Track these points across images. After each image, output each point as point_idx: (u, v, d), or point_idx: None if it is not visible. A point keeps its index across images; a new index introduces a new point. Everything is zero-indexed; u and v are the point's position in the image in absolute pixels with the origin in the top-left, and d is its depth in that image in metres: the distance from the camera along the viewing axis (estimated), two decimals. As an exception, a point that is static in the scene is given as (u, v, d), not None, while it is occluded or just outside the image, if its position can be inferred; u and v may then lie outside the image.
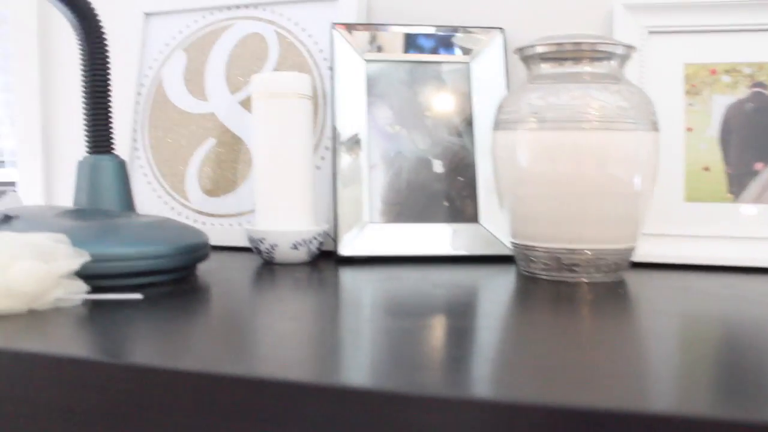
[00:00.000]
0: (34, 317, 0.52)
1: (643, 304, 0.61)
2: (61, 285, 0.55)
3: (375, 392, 0.37)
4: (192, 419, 0.40)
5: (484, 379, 0.40)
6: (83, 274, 0.57)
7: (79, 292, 0.56)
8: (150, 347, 0.46)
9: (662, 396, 0.37)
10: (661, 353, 0.46)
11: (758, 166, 0.78)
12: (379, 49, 0.85)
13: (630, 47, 0.70)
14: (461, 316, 0.55)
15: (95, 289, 0.57)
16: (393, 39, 0.86)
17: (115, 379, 0.42)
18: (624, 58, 0.71)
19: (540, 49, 0.70)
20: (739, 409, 0.35)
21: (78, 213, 0.70)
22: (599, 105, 0.66)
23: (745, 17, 0.80)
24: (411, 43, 0.86)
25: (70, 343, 0.47)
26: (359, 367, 0.42)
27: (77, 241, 0.58)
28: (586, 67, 0.69)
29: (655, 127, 0.69)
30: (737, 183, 0.78)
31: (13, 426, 0.44)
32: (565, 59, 0.69)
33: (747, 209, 0.78)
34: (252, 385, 0.39)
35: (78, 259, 0.57)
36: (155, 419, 0.41)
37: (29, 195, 1.11)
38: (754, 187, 0.78)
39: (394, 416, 0.37)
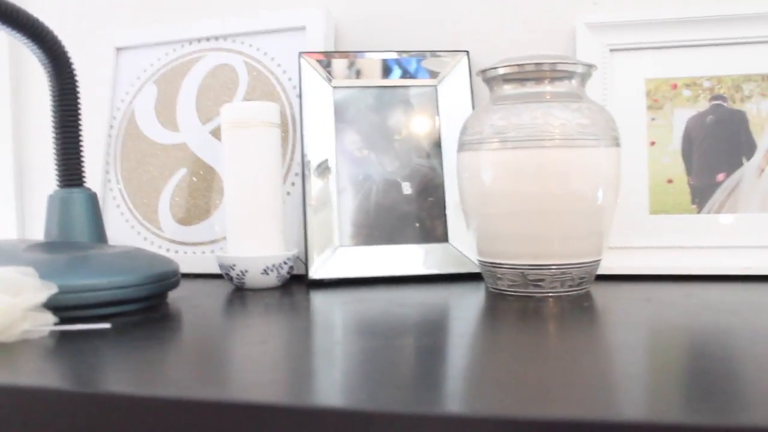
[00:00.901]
0: (0, 349, 0.52)
1: (608, 316, 0.62)
2: (29, 317, 0.55)
3: (347, 411, 0.38)
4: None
5: (454, 395, 0.40)
6: (52, 306, 0.57)
7: (46, 324, 0.56)
8: (119, 375, 0.46)
9: (630, 404, 0.38)
10: (627, 363, 0.47)
11: (720, 176, 0.80)
12: (348, 76, 0.86)
13: (590, 66, 0.71)
14: (430, 334, 0.56)
15: (65, 321, 0.57)
16: (360, 65, 0.87)
17: (84, 408, 0.42)
18: (584, 77, 0.72)
19: (502, 71, 0.71)
20: (706, 414, 0.35)
21: (47, 246, 0.70)
22: (560, 123, 0.67)
23: (704, 32, 0.82)
24: (378, 68, 0.87)
25: (38, 373, 0.48)
26: (331, 387, 0.42)
27: (45, 274, 0.58)
28: (547, 87, 0.70)
29: (616, 142, 0.70)
30: (700, 194, 0.80)
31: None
32: (527, 80, 0.71)
33: (710, 219, 0.79)
34: (224, 409, 0.39)
35: (45, 291, 0.57)
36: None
37: (1, 230, 1.11)
38: (716, 197, 0.79)
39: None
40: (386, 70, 0.87)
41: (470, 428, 0.36)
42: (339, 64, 0.87)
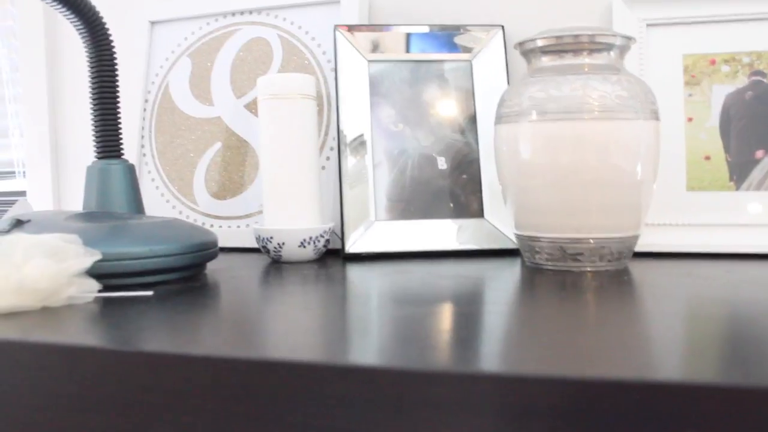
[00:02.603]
0: (47, 313, 0.53)
1: (647, 289, 0.61)
2: (74, 283, 0.56)
3: (384, 369, 0.38)
4: (205, 403, 0.41)
5: (491, 356, 0.40)
6: (95, 273, 0.58)
7: (90, 290, 0.57)
8: (162, 337, 0.47)
9: (668, 367, 0.38)
10: (665, 330, 0.47)
11: (759, 154, 0.79)
12: (382, 50, 0.86)
13: (629, 38, 0.71)
14: (468, 303, 0.56)
15: (106, 288, 0.58)
16: (395, 39, 0.87)
17: (129, 366, 0.42)
18: (623, 49, 0.71)
19: (540, 43, 0.71)
20: (743, 376, 0.35)
21: (88, 216, 0.71)
22: (599, 95, 0.66)
23: (743, 6, 0.81)
24: (413, 42, 0.87)
25: (84, 335, 0.48)
26: (369, 349, 0.43)
27: (88, 241, 0.59)
28: (585, 59, 0.70)
29: (656, 116, 0.69)
30: (738, 171, 0.79)
31: (30, 415, 0.45)
32: (565, 51, 0.70)
33: (748, 197, 0.78)
34: (263, 367, 0.40)
35: (89, 258, 0.58)
36: (169, 404, 0.41)
37: (39, 202, 1.12)
38: (755, 174, 0.79)
39: (403, 392, 0.37)
40: (421, 45, 0.87)
41: (505, 387, 0.36)
42: (374, 38, 0.86)
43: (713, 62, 0.81)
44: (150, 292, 0.59)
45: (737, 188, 0.79)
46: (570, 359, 0.39)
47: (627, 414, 0.34)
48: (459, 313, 0.52)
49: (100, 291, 0.58)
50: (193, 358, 0.41)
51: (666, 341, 0.44)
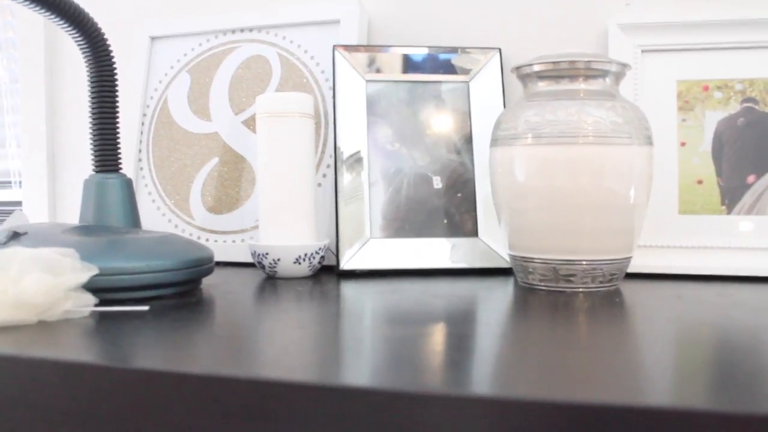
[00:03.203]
0: (43, 328, 0.53)
1: (639, 311, 0.62)
2: (70, 297, 0.56)
3: (377, 391, 0.38)
4: (199, 421, 0.41)
5: (484, 379, 0.41)
6: (91, 288, 0.58)
7: (87, 304, 0.58)
8: (157, 354, 0.47)
9: (658, 392, 0.38)
10: (656, 354, 0.47)
11: (751, 178, 0.80)
12: (380, 70, 0.87)
13: (624, 65, 0.72)
14: (461, 323, 0.57)
15: (103, 302, 0.59)
16: (393, 59, 0.88)
17: (124, 383, 0.43)
18: (618, 76, 0.72)
19: (537, 68, 0.72)
20: (732, 402, 0.36)
21: (85, 229, 0.71)
22: (594, 120, 0.67)
23: (736, 35, 0.82)
24: (410, 63, 0.88)
25: (80, 350, 0.49)
26: (362, 369, 0.43)
27: (85, 256, 0.59)
28: (581, 85, 0.71)
29: (649, 141, 0.70)
30: (730, 195, 0.80)
31: (24, 430, 0.45)
32: (561, 77, 0.71)
33: (740, 221, 0.79)
34: (257, 387, 0.40)
35: (86, 272, 0.58)
36: (163, 422, 0.42)
37: (34, 214, 1.12)
38: (746, 199, 0.80)
39: (396, 415, 0.38)
40: (418, 66, 0.88)
41: (496, 410, 0.37)
42: (373, 58, 0.87)
43: (706, 88, 0.82)
44: (146, 307, 0.59)
45: (729, 212, 0.80)
46: (561, 382, 0.40)
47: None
48: (452, 333, 0.53)
49: (96, 305, 0.58)
50: (188, 376, 0.42)
51: (656, 365, 0.44)
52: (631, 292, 0.70)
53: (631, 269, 0.74)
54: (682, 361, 0.47)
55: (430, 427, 0.37)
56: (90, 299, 0.58)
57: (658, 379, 0.41)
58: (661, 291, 0.71)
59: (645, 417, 0.35)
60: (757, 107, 0.81)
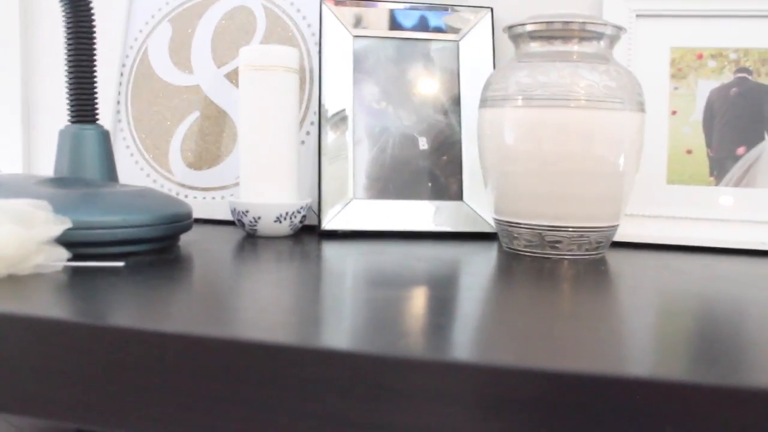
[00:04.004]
0: (13, 282, 0.51)
1: (623, 280, 0.61)
2: (42, 251, 0.54)
3: (357, 354, 0.37)
4: (173, 381, 0.40)
5: (465, 344, 0.40)
6: (64, 242, 0.56)
7: (59, 258, 0.56)
8: (132, 312, 0.46)
9: (641, 362, 0.38)
10: (639, 324, 0.47)
11: (740, 150, 0.79)
12: (368, 26, 0.85)
13: (619, 28, 0.70)
14: (443, 287, 0.55)
15: (76, 257, 0.57)
16: (381, 15, 0.85)
17: (96, 341, 0.41)
18: (613, 39, 0.71)
19: (530, 28, 0.70)
20: (713, 374, 0.35)
21: (59, 181, 0.69)
22: (587, 84, 0.66)
23: (732, 3, 0.80)
24: (399, 20, 0.86)
25: (51, 306, 0.47)
26: (342, 332, 0.42)
27: (59, 208, 0.57)
28: (575, 47, 0.69)
29: (641, 108, 0.69)
30: (719, 167, 0.79)
31: (-9, 386, 0.44)
32: (555, 38, 0.69)
33: (728, 192, 0.79)
34: (234, 347, 0.39)
35: (59, 225, 0.56)
36: (138, 381, 0.40)
37: (8, 165, 1.09)
38: (735, 171, 0.79)
39: (375, 379, 0.37)
40: (407, 23, 0.86)
41: (478, 376, 0.36)
42: (361, 13, 0.85)
43: (700, 57, 0.81)
44: (121, 263, 0.58)
45: (717, 183, 0.79)
46: (546, 350, 0.39)
47: (600, 407, 0.34)
48: (434, 297, 0.52)
49: (69, 260, 0.56)
50: (163, 335, 0.40)
51: (640, 335, 0.44)
52: (616, 260, 0.69)
53: (617, 238, 0.73)
54: (665, 332, 0.46)
55: (411, 392, 0.36)
56: (63, 253, 0.56)
57: (642, 349, 0.40)
58: (647, 261, 0.70)
59: (627, 387, 0.34)
60: (750, 77, 0.79)
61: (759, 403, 0.33)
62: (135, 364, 0.41)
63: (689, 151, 0.80)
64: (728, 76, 0.80)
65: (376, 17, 0.85)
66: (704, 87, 0.81)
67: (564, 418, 0.35)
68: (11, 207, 0.55)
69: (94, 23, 0.73)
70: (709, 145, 0.80)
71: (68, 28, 0.73)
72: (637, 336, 0.43)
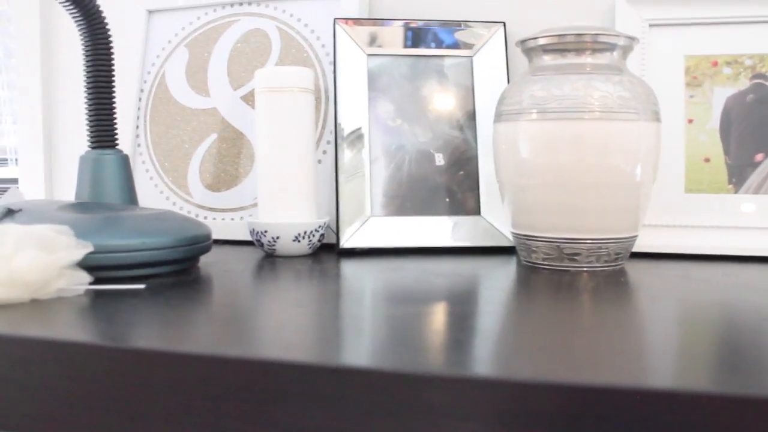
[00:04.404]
0: (36, 306, 0.52)
1: (644, 291, 0.61)
2: (64, 275, 0.55)
3: (377, 371, 0.37)
4: (195, 401, 0.40)
5: (486, 359, 0.40)
6: (86, 265, 0.57)
7: (81, 282, 0.56)
8: (154, 333, 0.46)
9: (663, 373, 0.38)
10: (661, 335, 0.46)
11: (759, 157, 0.78)
12: (382, 44, 0.85)
13: (632, 38, 0.70)
14: (462, 302, 0.55)
15: (98, 281, 0.57)
16: (395, 34, 0.86)
17: (119, 362, 0.42)
18: (626, 50, 0.71)
19: (542, 41, 0.70)
20: (737, 384, 0.35)
21: (80, 206, 0.70)
22: (601, 95, 0.66)
23: (746, 9, 0.80)
24: (413, 37, 0.86)
25: (74, 329, 0.48)
26: (362, 349, 0.42)
27: (80, 233, 0.58)
28: (588, 59, 0.69)
29: (657, 117, 0.69)
30: (738, 174, 0.79)
31: (18, 409, 0.44)
32: (567, 50, 0.69)
33: (747, 200, 0.78)
34: (255, 367, 0.39)
35: (80, 250, 0.57)
36: (160, 402, 0.41)
37: (31, 191, 1.11)
38: (754, 178, 0.78)
39: (396, 395, 0.37)
40: (421, 40, 0.86)
41: (499, 391, 0.36)
42: (374, 32, 0.86)
43: (715, 64, 0.81)
44: (142, 286, 0.58)
45: (736, 191, 0.78)
46: (565, 364, 0.39)
47: (622, 421, 0.34)
48: (453, 313, 0.52)
49: (90, 283, 0.57)
50: (184, 356, 0.41)
51: (662, 346, 0.43)
52: (636, 271, 0.69)
53: (636, 248, 0.73)
54: (687, 342, 0.45)
55: (432, 408, 0.36)
56: (84, 277, 0.57)
57: (664, 361, 0.40)
58: (667, 271, 0.70)
59: (650, 399, 0.34)
60: (767, 83, 0.79)
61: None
62: (158, 385, 0.41)
63: (707, 159, 0.79)
64: (744, 83, 0.80)
65: (390, 35, 0.86)
66: (720, 94, 0.80)
67: (583, 431, 0.34)
68: (34, 232, 0.56)
69: (112, 50, 0.75)
70: (727, 152, 0.79)
71: (87, 54, 0.74)
72: (659, 347, 0.43)
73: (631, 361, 0.39)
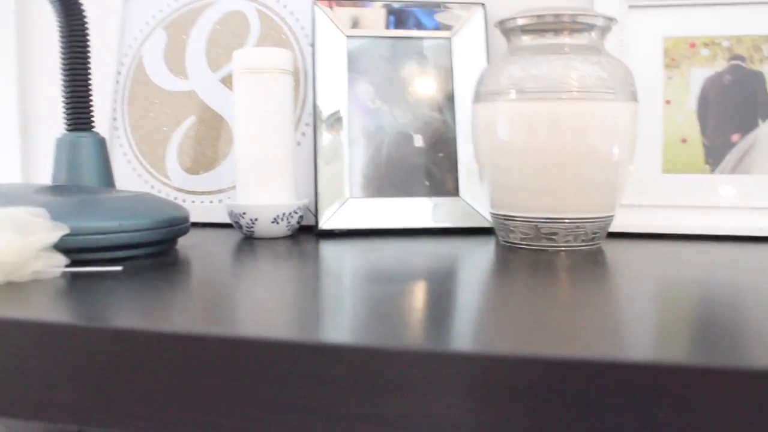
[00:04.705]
0: (12, 288, 0.51)
1: (620, 269, 0.61)
2: (40, 258, 0.55)
3: (356, 348, 0.37)
4: (174, 380, 0.40)
5: (465, 335, 0.40)
6: (63, 248, 0.56)
7: (58, 265, 0.56)
8: (131, 314, 0.46)
9: (641, 347, 0.38)
10: (638, 311, 0.47)
11: (735, 137, 0.79)
12: (361, 25, 0.85)
13: (610, 19, 0.70)
14: (441, 281, 0.56)
15: (75, 263, 0.57)
16: (374, 15, 0.86)
17: (97, 343, 0.42)
18: (604, 30, 0.71)
19: (521, 21, 0.70)
20: (715, 356, 0.35)
21: (57, 189, 0.69)
22: (579, 75, 0.66)
23: (724, -9, 0.81)
24: (392, 19, 0.86)
25: (51, 310, 0.47)
26: (341, 327, 0.42)
27: (56, 215, 0.58)
28: (566, 39, 0.69)
29: (634, 97, 0.69)
30: (714, 154, 0.79)
31: (-8, 392, 0.44)
32: (546, 31, 0.70)
33: (723, 180, 0.79)
34: (233, 345, 0.39)
35: (57, 232, 0.56)
36: (139, 382, 0.41)
37: (7, 174, 1.10)
38: (730, 158, 0.79)
39: (375, 371, 0.37)
40: (400, 21, 0.86)
41: (478, 366, 0.36)
42: (354, 13, 0.85)
43: (693, 45, 0.81)
44: (119, 268, 0.58)
45: (712, 171, 0.79)
46: (543, 339, 0.39)
47: (599, 394, 0.34)
48: (433, 291, 0.52)
49: (67, 266, 0.56)
50: (163, 335, 0.40)
51: (639, 322, 0.44)
52: (613, 251, 0.69)
53: (613, 228, 0.73)
54: (664, 318, 0.46)
55: (411, 384, 0.36)
56: (61, 260, 0.56)
57: (641, 335, 0.41)
58: (644, 250, 0.70)
59: (628, 372, 0.34)
60: (744, 65, 0.80)
61: (756, 384, 0.33)
62: (135, 364, 0.41)
63: (684, 140, 0.80)
64: (722, 64, 0.80)
65: (369, 17, 0.86)
66: (698, 75, 0.81)
67: (561, 404, 0.35)
68: (10, 215, 0.55)
69: (88, 32, 0.74)
70: (703, 133, 0.80)
71: (63, 36, 0.73)
72: (635, 323, 0.44)
73: (608, 335, 0.40)
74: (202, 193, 0.90)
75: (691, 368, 0.34)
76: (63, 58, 0.74)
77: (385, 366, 0.37)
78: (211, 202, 0.90)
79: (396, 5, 0.86)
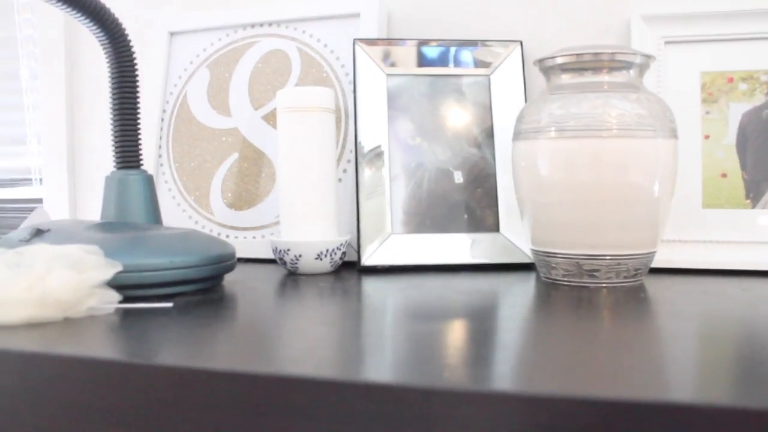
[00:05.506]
0: (69, 325, 0.53)
1: (663, 306, 0.61)
2: (95, 294, 0.57)
3: (401, 387, 0.38)
4: (223, 418, 0.41)
5: (507, 375, 0.40)
6: (115, 284, 0.58)
7: (111, 301, 0.58)
8: (183, 351, 0.47)
9: (684, 388, 0.38)
10: (682, 350, 0.47)
11: (776, 172, 0.79)
12: (400, 64, 0.87)
13: (648, 56, 0.71)
14: (484, 319, 0.56)
15: (127, 299, 0.59)
16: (413, 53, 0.87)
17: (149, 380, 0.43)
18: (643, 68, 0.72)
19: (560, 60, 0.71)
20: (758, 398, 0.35)
21: (107, 226, 0.71)
22: (618, 113, 0.67)
23: (761, 25, 0.81)
24: (430, 57, 0.88)
25: (105, 347, 0.49)
26: (385, 365, 0.43)
27: (109, 252, 0.60)
28: (605, 77, 0.70)
29: (674, 134, 0.69)
30: (755, 189, 0.79)
31: (51, 427, 0.45)
32: (585, 69, 0.70)
33: (765, 214, 0.78)
34: (281, 383, 0.40)
35: (110, 269, 0.58)
36: (189, 418, 0.42)
37: (55, 211, 1.13)
38: (772, 193, 0.79)
39: (421, 410, 0.37)
40: (439, 59, 0.87)
41: (521, 406, 0.36)
42: (393, 52, 0.87)
43: (731, 80, 0.81)
44: (170, 304, 0.59)
45: (753, 206, 0.79)
46: (586, 378, 0.39)
47: (645, 435, 0.35)
48: (475, 329, 0.52)
49: (120, 302, 0.58)
50: (213, 373, 0.42)
51: (683, 361, 0.44)
52: (655, 287, 0.69)
53: (655, 264, 0.73)
54: (708, 357, 0.46)
55: (454, 423, 0.37)
56: (114, 296, 0.58)
57: (684, 375, 0.41)
58: (686, 286, 0.70)
59: (671, 413, 0.34)
60: (782, 99, 0.80)
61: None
62: (188, 402, 0.42)
63: (724, 175, 0.80)
64: (760, 98, 0.80)
65: (408, 55, 0.87)
66: (736, 110, 0.81)
67: (609, 445, 0.35)
68: (65, 253, 0.57)
69: (137, 72, 0.76)
70: (743, 167, 0.80)
71: (112, 76, 0.76)
72: (679, 362, 0.44)
73: (653, 375, 0.40)
74: (245, 228, 0.92)
75: (736, 410, 0.34)
76: (112, 97, 0.76)
77: (431, 406, 0.37)
78: (254, 237, 0.91)
79: (434, 43, 0.88)
